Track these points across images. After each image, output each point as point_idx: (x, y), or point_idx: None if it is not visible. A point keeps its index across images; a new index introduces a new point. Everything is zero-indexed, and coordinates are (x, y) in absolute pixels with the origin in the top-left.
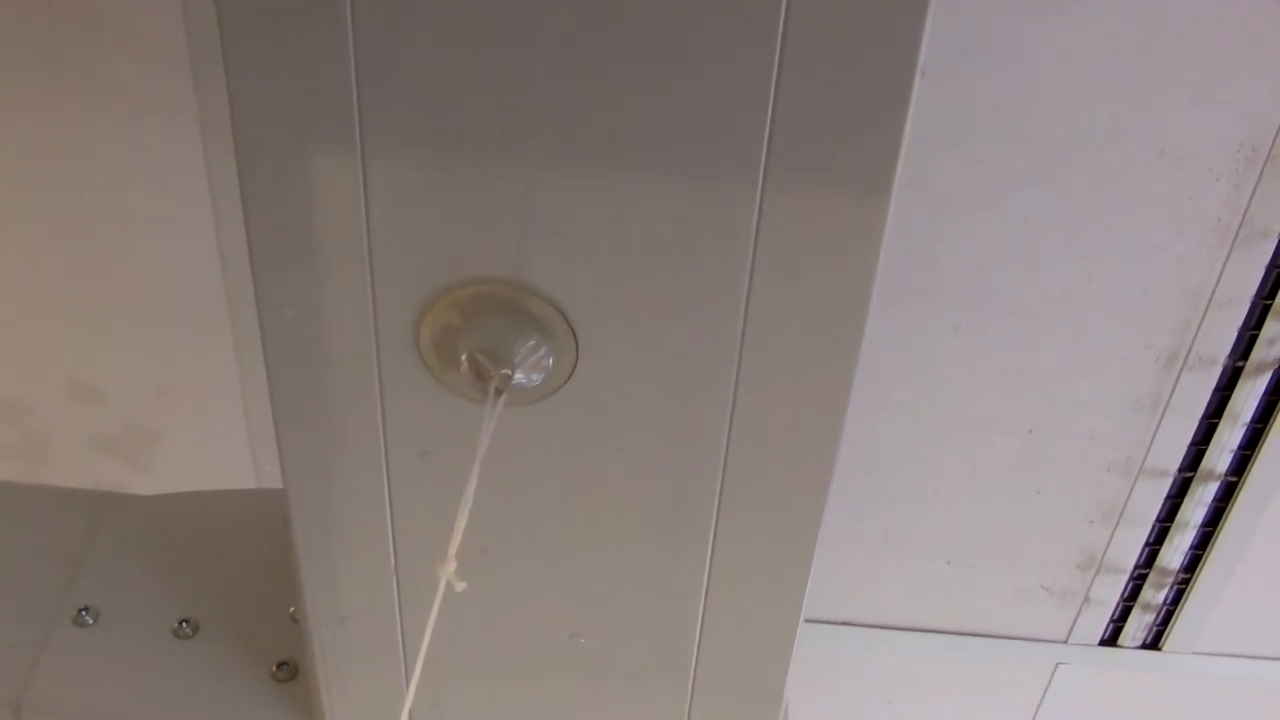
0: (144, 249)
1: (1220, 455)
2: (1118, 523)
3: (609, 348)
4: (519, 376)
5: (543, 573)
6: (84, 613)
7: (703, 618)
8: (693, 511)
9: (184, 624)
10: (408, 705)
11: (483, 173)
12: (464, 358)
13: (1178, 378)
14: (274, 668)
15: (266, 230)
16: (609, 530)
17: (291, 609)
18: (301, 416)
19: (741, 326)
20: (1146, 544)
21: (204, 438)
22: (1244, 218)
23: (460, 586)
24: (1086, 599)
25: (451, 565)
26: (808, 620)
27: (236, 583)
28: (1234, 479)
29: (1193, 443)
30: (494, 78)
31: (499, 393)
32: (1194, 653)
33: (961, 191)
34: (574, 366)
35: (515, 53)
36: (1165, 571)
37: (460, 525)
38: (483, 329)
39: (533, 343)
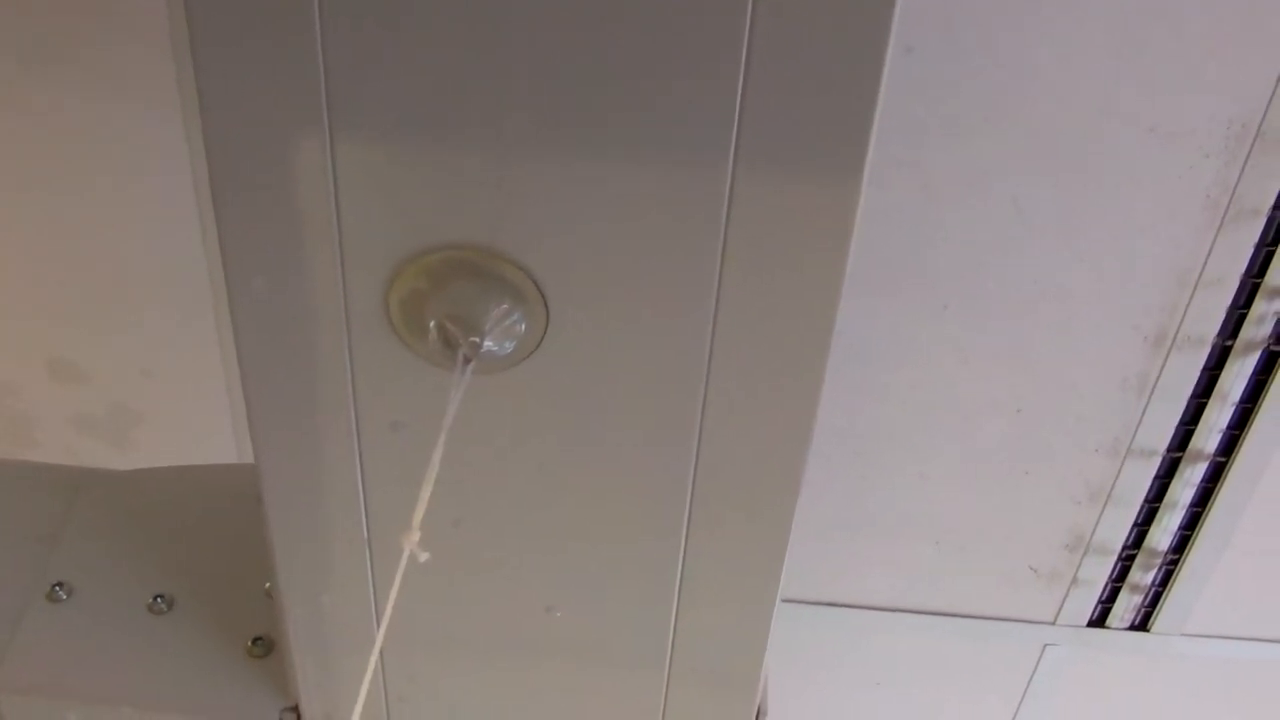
0: (127, 230)
1: (1209, 435)
2: (1106, 503)
3: (580, 316)
4: (489, 344)
5: (516, 546)
6: (59, 588)
7: (679, 592)
8: (667, 482)
9: (159, 599)
10: (367, 679)
11: (452, 145)
12: (432, 325)
13: (1166, 357)
14: (249, 643)
15: (234, 201)
16: (582, 502)
17: (267, 584)
18: (271, 390)
19: (715, 300)
20: (1135, 524)
21: (187, 418)
22: (1233, 196)
23: (424, 557)
24: (1074, 580)
25: (415, 536)
26: (796, 601)
27: (212, 558)
28: (1223, 459)
29: (1181, 423)
30: (463, 52)
31: (468, 360)
32: (1182, 634)
33: (950, 173)
34: (544, 334)
35: (484, 27)
36: (1153, 552)
37: (425, 495)
38: (451, 295)
39: (503, 308)
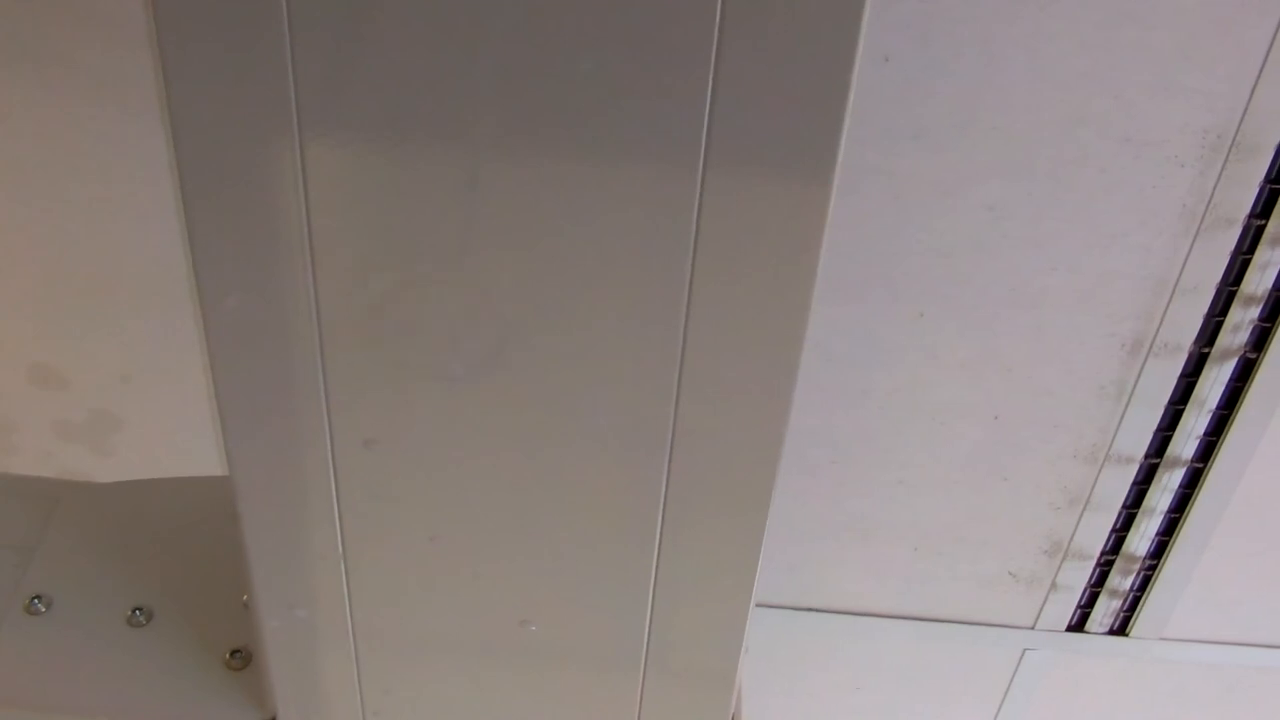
0: (108, 235)
1: (1186, 442)
2: (1084, 509)
3: (552, 330)
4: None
5: (491, 560)
6: (37, 601)
7: (653, 601)
8: (640, 490)
9: (137, 612)
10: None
11: (423, 149)
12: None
13: (1143, 364)
14: (227, 656)
15: (205, 213)
16: (556, 513)
17: (245, 597)
18: (245, 404)
19: (686, 304)
20: (1113, 530)
21: (168, 424)
22: (1209, 204)
23: None
24: (1053, 585)
25: None
26: (773, 606)
27: (190, 571)
28: (1200, 465)
29: (1159, 429)
30: (433, 55)
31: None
32: (1161, 638)
33: (925, 180)
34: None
35: (454, 30)
36: (1132, 558)
37: None
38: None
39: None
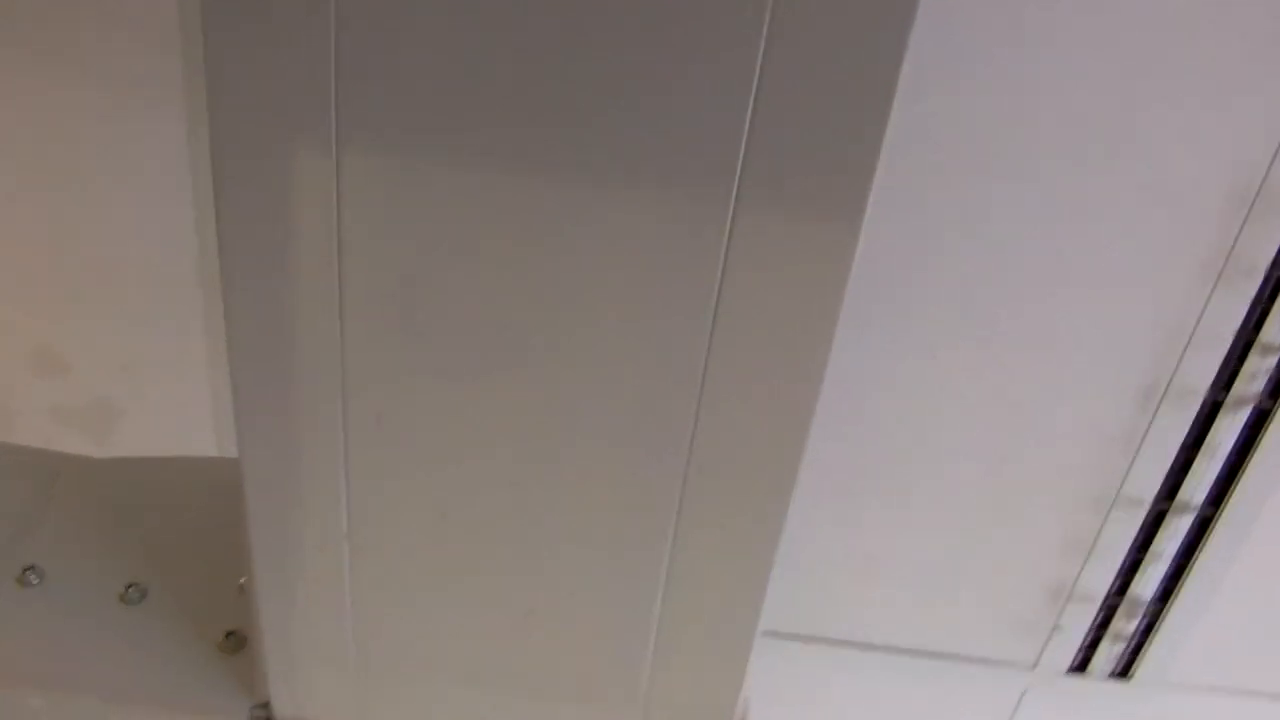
0: (111, 222)
1: (1197, 487)
2: (1090, 553)
3: (575, 332)
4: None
5: (502, 542)
6: (30, 573)
7: (662, 601)
8: (657, 489)
9: (132, 589)
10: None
11: (456, 158)
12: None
13: (1156, 411)
14: (221, 638)
15: (235, 196)
16: (568, 508)
17: (241, 580)
18: (260, 382)
19: (709, 334)
20: (1119, 573)
21: (168, 413)
22: (1230, 255)
23: None
24: (1056, 626)
25: None
26: (776, 635)
27: (188, 550)
28: (1211, 510)
29: (1169, 473)
30: (474, 68)
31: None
32: (1165, 683)
33: (943, 216)
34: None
35: (496, 55)
36: (1137, 602)
37: None
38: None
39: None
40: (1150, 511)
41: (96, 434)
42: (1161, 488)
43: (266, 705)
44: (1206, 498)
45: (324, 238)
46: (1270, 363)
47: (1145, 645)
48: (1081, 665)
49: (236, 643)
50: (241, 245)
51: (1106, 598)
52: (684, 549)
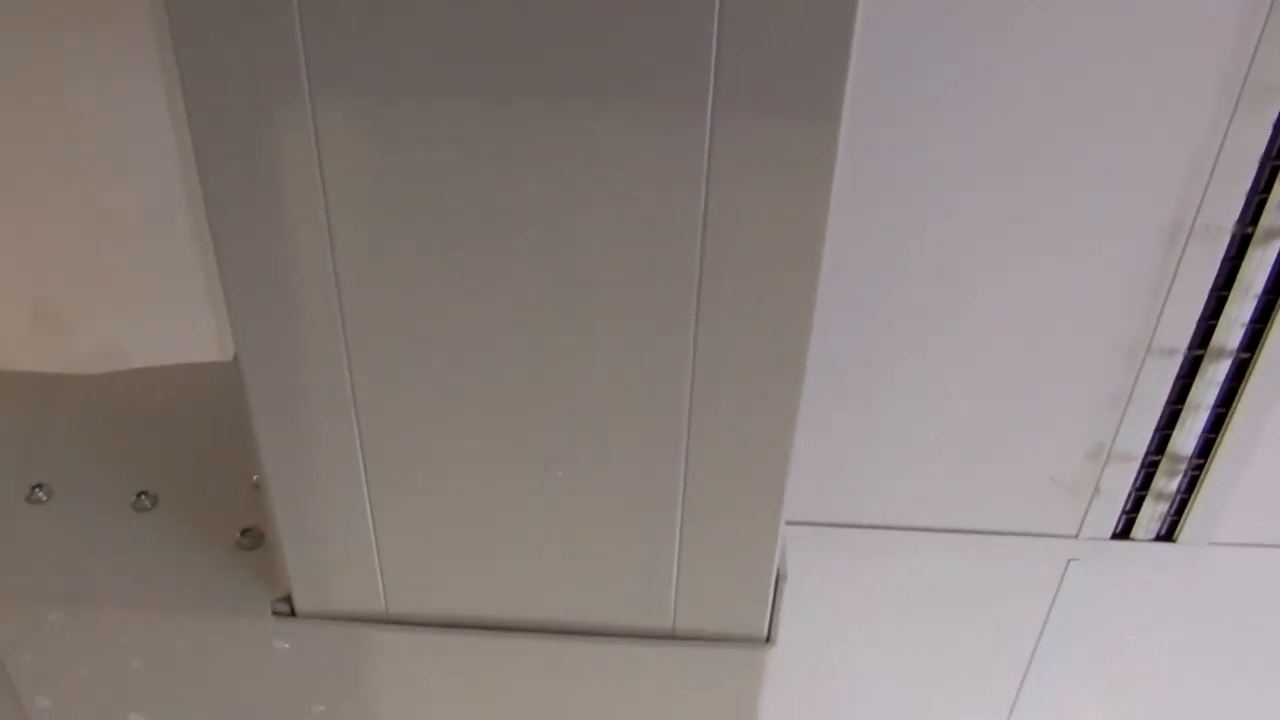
0: (109, 175)
1: (1231, 331)
2: (1126, 407)
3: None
4: None
5: (512, 397)
6: (38, 490)
7: (688, 444)
8: (666, 362)
9: (142, 496)
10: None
11: (433, 102)
12: None
13: (1184, 248)
14: (238, 535)
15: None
16: (580, 350)
17: (255, 476)
18: (250, 269)
19: (703, 215)
20: (1157, 429)
21: (176, 357)
22: (1248, 73)
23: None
24: (1097, 490)
25: None
26: (805, 524)
27: (194, 454)
28: (1246, 355)
29: (1202, 318)
30: (438, 11)
31: None
32: (1210, 543)
33: (946, 67)
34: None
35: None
36: (1178, 458)
37: None
38: None
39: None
40: (1184, 360)
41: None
42: (1194, 334)
43: (288, 598)
44: (1242, 341)
45: (303, 136)
46: None
47: (1189, 505)
48: (1125, 530)
49: (254, 539)
50: (219, 149)
51: (1146, 456)
52: (701, 419)
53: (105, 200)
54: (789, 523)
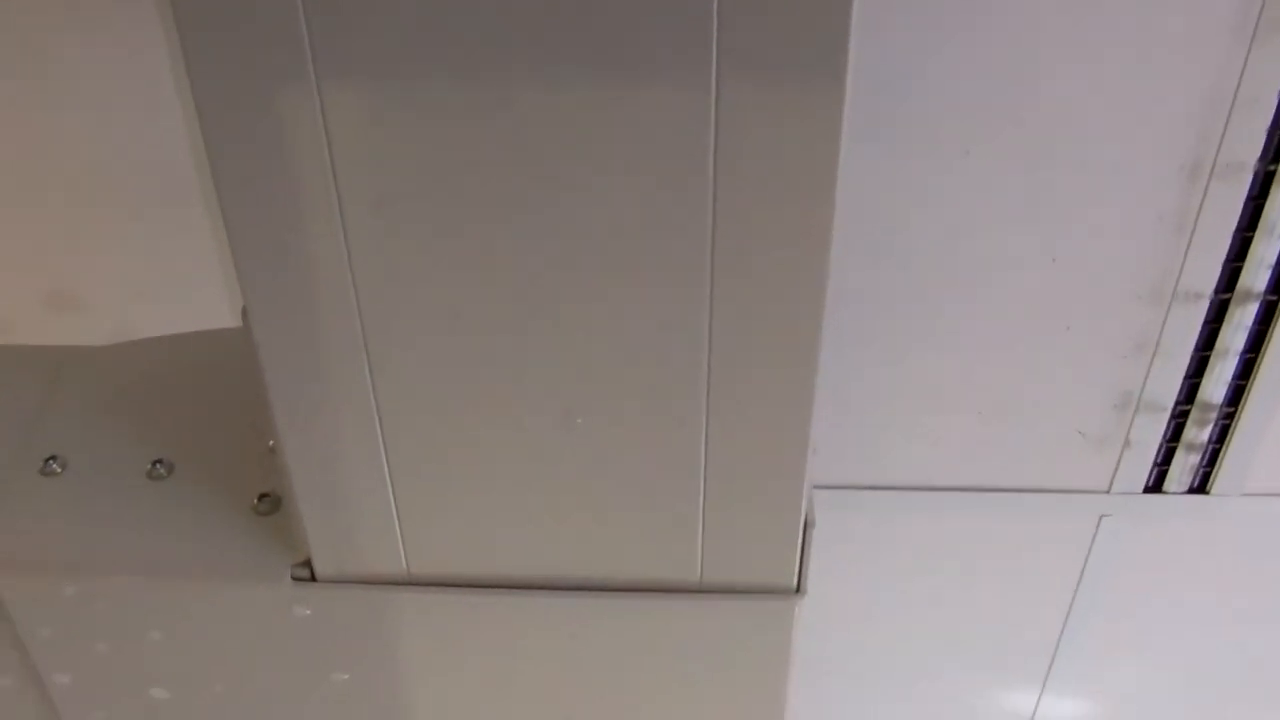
0: (115, 150)
1: (1258, 272)
2: (1154, 355)
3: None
4: None
5: (531, 345)
6: (51, 462)
7: (709, 394)
8: (681, 310)
9: (157, 465)
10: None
11: (438, 76)
12: None
13: (1205, 188)
14: (255, 501)
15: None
16: (595, 294)
17: (270, 442)
18: (258, 229)
19: (713, 187)
20: (1186, 377)
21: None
22: (1263, 6)
23: None
24: (1127, 442)
25: None
26: (831, 487)
27: (208, 421)
28: (1274, 298)
29: (1227, 260)
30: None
31: None
32: (1243, 494)
33: (957, 3)
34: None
35: None
36: (1208, 406)
37: None
38: None
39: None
40: (1211, 304)
41: None
42: (1220, 278)
43: (307, 563)
44: (1269, 284)
45: (302, 70)
46: None
47: (1220, 455)
48: (1157, 484)
49: (271, 504)
50: (214, 80)
51: (1175, 406)
52: (722, 365)
53: (114, 179)
54: (814, 486)
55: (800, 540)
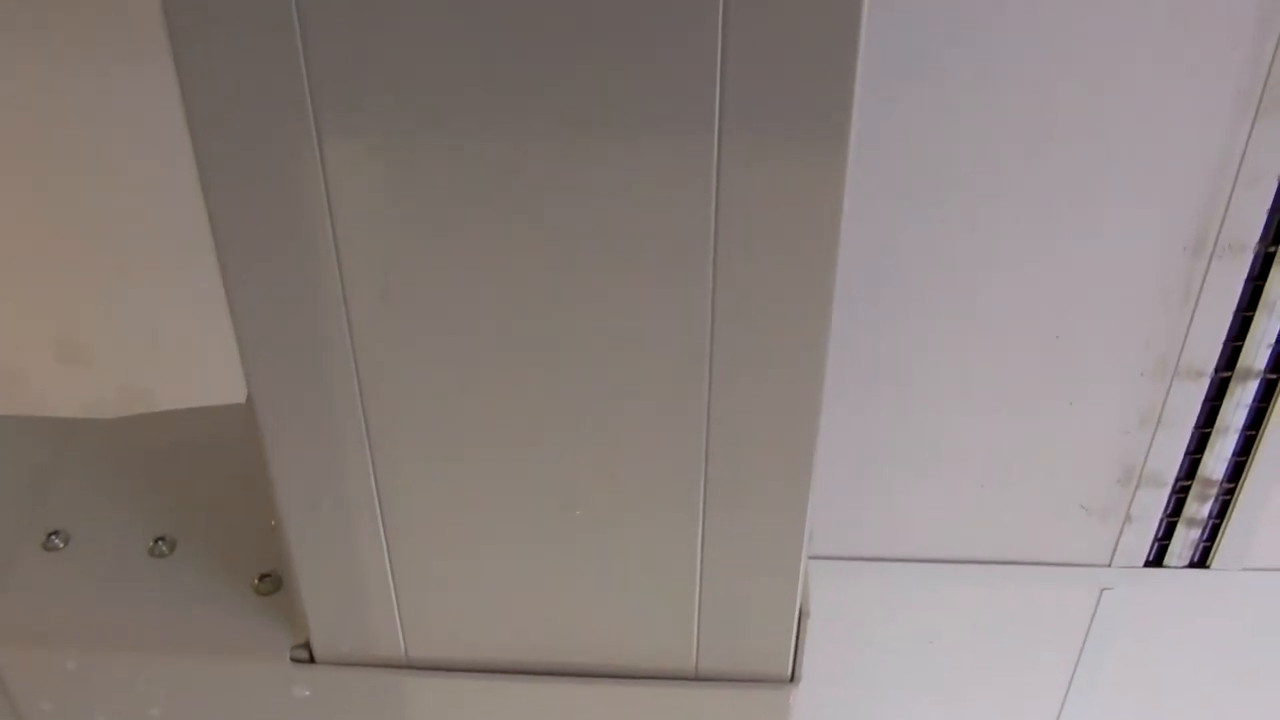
0: (125, 201)
1: (1258, 350)
2: (1156, 430)
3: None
4: None
5: (533, 436)
6: (54, 537)
7: (702, 520)
8: (681, 393)
9: (160, 542)
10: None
11: (441, 135)
12: None
13: (1207, 267)
14: (256, 580)
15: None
16: (594, 392)
17: (273, 522)
18: (263, 316)
19: (713, 241)
20: (1186, 453)
21: (199, 392)
22: (1265, 86)
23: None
24: (1128, 516)
25: None
26: (833, 558)
27: (212, 499)
28: (1274, 376)
29: (1228, 339)
30: (443, 42)
31: None
32: (1244, 569)
33: (968, 78)
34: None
35: (461, 25)
36: (1208, 482)
37: None
38: None
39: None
40: (1212, 382)
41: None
42: (1220, 355)
43: (307, 644)
44: (1269, 362)
45: (308, 157)
46: None
47: (1220, 530)
48: (1158, 558)
49: (273, 584)
50: (221, 165)
51: (1176, 481)
52: (718, 461)
53: (128, 236)
54: (815, 558)
55: (795, 629)
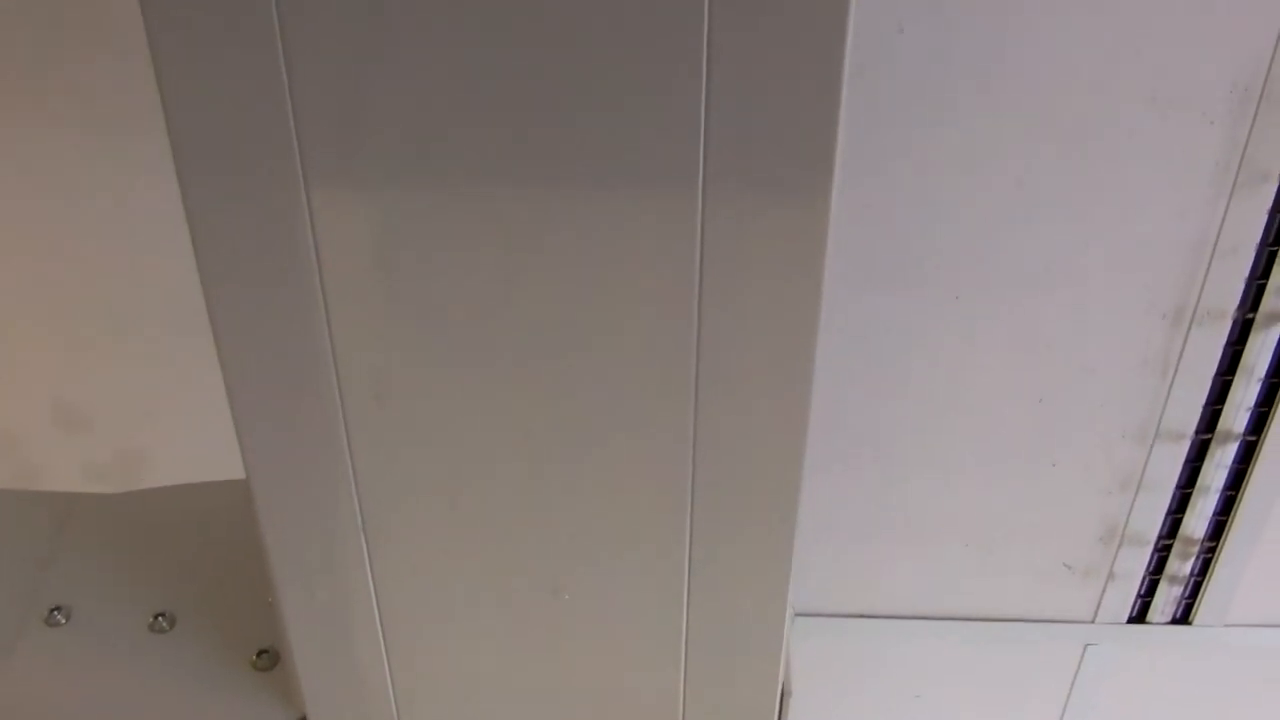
0: (120, 265)
1: (1237, 414)
2: (1137, 491)
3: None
4: None
5: (518, 526)
6: (55, 612)
7: (689, 566)
8: (664, 468)
9: (160, 618)
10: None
11: (427, 184)
12: None
13: (1187, 334)
14: (254, 656)
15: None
16: (580, 481)
17: (270, 598)
18: (258, 399)
19: (697, 310)
20: (1168, 512)
21: (195, 454)
22: (1242, 160)
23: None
24: (1111, 574)
25: None
26: (819, 615)
27: (211, 574)
28: (1253, 438)
29: (1207, 403)
30: (431, 93)
31: None
32: (1226, 625)
33: (948, 157)
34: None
35: (451, 66)
36: (1190, 540)
37: None
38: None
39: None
40: (1193, 444)
41: (127, 486)
42: (1200, 419)
43: (304, 719)
44: (1248, 425)
45: (304, 253)
46: None
47: (1202, 587)
48: (1140, 614)
49: (270, 660)
50: (221, 264)
51: (1158, 540)
52: (703, 524)
53: (126, 304)
54: (802, 614)
55: (778, 708)
